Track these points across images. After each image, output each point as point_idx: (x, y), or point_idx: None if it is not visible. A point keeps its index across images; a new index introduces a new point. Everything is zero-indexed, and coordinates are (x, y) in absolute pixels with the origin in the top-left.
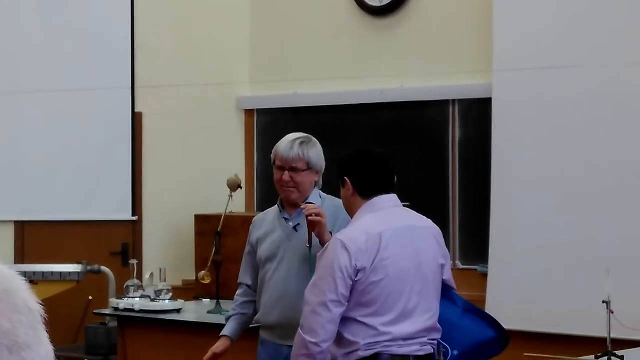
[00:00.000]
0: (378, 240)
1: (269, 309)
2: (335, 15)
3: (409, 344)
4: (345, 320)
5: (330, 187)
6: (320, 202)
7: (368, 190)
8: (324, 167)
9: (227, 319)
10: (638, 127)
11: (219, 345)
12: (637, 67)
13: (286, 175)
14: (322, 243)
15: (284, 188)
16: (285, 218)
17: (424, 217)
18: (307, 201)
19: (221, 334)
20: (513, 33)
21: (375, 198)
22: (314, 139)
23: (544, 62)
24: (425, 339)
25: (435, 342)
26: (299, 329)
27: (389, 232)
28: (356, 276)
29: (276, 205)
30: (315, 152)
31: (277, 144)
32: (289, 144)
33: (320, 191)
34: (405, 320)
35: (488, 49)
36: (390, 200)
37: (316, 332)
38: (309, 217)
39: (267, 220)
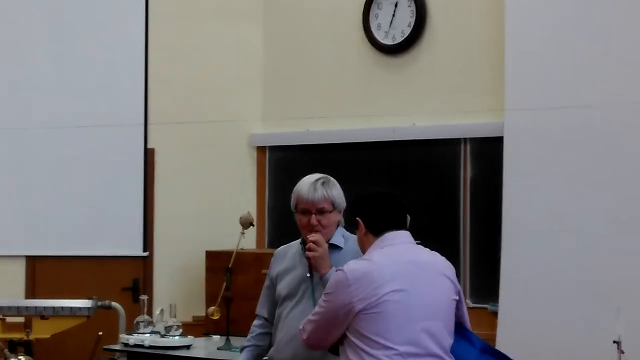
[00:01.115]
0: (380, 273)
1: (283, 347)
2: (348, 53)
3: None
4: (355, 349)
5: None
6: (343, 241)
7: (378, 227)
8: (344, 205)
9: (242, 349)
10: None
11: None
12: None
13: (314, 219)
14: (320, 275)
15: (308, 230)
16: (307, 257)
17: (437, 253)
18: (332, 241)
19: None
20: (525, 72)
21: (386, 234)
22: (332, 178)
23: (556, 102)
24: None
25: None
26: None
27: (395, 266)
28: (356, 308)
29: (298, 241)
30: (338, 191)
31: (297, 189)
32: (311, 186)
33: (344, 230)
34: (413, 355)
35: (500, 88)
36: (400, 237)
37: (306, 330)
38: (306, 253)
39: (289, 255)
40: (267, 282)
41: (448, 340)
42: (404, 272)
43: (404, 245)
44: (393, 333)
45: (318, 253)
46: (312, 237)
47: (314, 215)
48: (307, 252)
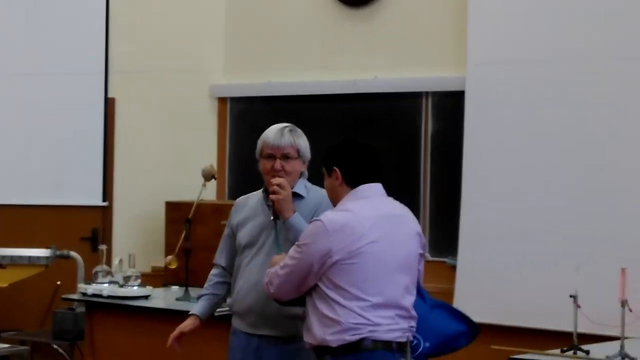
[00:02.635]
0: (360, 225)
1: (243, 295)
2: (311, 4)
3: (392, 329)
4: (326, 300)
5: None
6: (305, 191)
7: (356, 179)
8: (309, 157)
9: (198, 298)
10: (610, 122)
11: (187, 324)
12: (611, 62)
13: (278, 164)
14: (283, 220)
15: (270, 176)
16: (268, 205)
17: (405, 207)
18: (294, 190)
19: (190, 313)
20: (488, 26)
21: (360, 186)
22: (299, 129)
23: (518, 56)
24: (406, 325)
25: (414, 329)
26: (269, 269)
27: (372, 219)
28: (333, 258)
29: (260, 190)
30: (304, 141)
31: (263, 135)
32: (279, 132)
33: (307, 181)
34: (384, 306)
35: (462, 42)
36: (375, 189)
37: (273, 283)
38: (270, 196)
39: (250, 204)
40: (226, 231)
41: (414, 293)
42: (380, 225)
43: (379, 198)
44: (368, 284)
45: (282, 196)
46: (276, 180)
47: (278, 160)
48: (270, 196)
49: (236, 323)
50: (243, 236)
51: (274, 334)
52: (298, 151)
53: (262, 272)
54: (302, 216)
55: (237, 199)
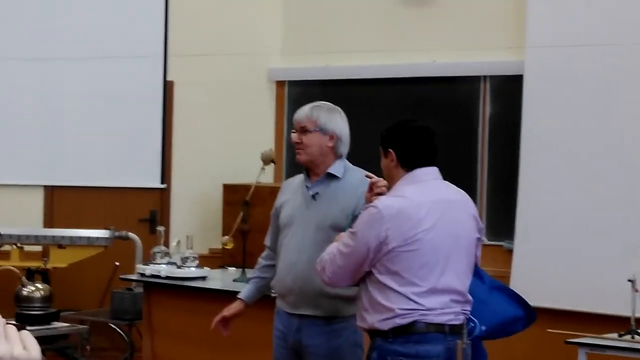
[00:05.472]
0: (416, 211)
1: (283, 275)
2: None
3: (445, 312)
4: (379, 286)
5: (360, 159)
6: (342, 172)
7: (410, 162)
8: (342, 134)
9: (248, 281)
10: None
11: (231, 309)
12: None
13: (295, 136)
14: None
15: (295, 150)
16: (307, 186)
17: (461, 190)
18: (329, 170)
19: (237, 296)
20: (547, 10)
21: (416, 170)
22: (336, 108)
23: (577, 40)
24: (459, 309)
25: (468, 312)
26: (322, 255)
27: (427, 204)
28: (389, 245)
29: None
30: (328, 116)
31: None
32: (303, 107)
33: (346, 161)
34: (439, 292)
35: (521, 25)
36: (430, 173)
37: (326, 270)
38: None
39: (293, 185)
40: (273, 211)
41: (470, 277)
42: (436, 210)
43: (434, 181)
44: (424, 270)
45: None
46: (381, 182)
47: (296, 133)
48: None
49: (279, 303)
50: (283, 216)
51: (313, 313)
52: (316, 124)
53: (299, 252)
54: (339, 198)
55: (284, 181)
